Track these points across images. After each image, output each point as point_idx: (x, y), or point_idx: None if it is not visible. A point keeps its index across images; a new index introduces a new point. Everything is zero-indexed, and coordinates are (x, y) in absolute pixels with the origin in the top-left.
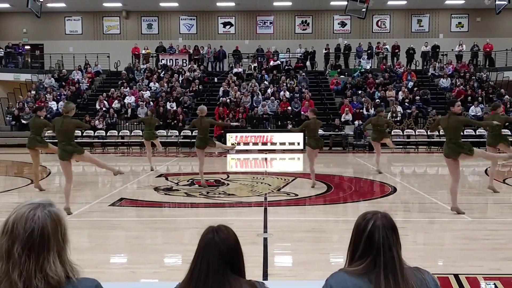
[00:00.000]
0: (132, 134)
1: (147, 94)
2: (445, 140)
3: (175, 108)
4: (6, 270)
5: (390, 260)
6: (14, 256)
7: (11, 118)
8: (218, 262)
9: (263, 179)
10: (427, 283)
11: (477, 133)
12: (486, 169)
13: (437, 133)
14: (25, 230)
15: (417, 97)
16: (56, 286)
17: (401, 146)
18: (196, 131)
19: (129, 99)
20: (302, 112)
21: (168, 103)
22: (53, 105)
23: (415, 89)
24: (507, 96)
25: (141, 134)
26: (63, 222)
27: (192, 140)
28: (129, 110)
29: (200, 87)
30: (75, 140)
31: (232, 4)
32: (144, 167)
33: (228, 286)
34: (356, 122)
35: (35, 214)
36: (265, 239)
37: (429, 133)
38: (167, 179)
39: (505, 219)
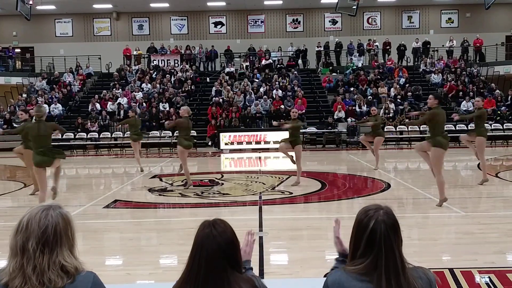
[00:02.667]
0: (125, 135)
1: (139, 95)
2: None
3: (168, 108)
4: (20, 265)
5: (392, 260)
6: (28, 251)
7: (2, 122)
8: (217, 256)
9: (258, 178)
10: (431, 282)
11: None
12: (479, 164)
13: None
14: (40, 226)
15: (409, 93)
16: (73, 275)
17: (394, 143)
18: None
19: (122, 101)
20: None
21: (160, 103)
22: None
23: (407, 85)
24: (498, 91)
25: None
26: (72, 223)
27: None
28: (122, 112)
29: (192, 87)
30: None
31: (223, 3)
32: (137, 169)
33: (227, 281)
34: (349, 120)
35: (48, 214)
36: (261, 238)
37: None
38: (161, 180)
39: (498, 213)
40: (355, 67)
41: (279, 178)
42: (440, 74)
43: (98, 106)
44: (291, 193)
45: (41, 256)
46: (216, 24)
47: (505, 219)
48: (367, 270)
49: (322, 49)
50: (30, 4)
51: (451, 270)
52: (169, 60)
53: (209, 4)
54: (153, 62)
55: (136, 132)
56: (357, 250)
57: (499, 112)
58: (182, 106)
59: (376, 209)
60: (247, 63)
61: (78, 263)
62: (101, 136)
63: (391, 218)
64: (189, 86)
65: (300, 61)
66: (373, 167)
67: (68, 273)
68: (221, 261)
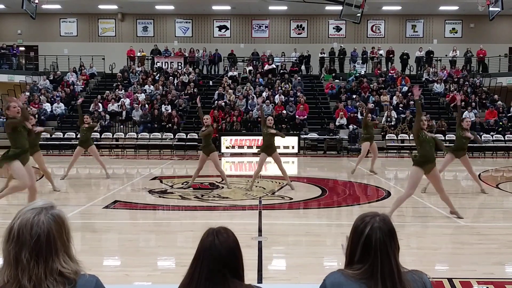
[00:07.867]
0: (127, 136)
1: (142, 96)
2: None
3: (170, 111)
4: (15, 276)
5: (388, 267)
6: (22, 262)
7: (5, 120)
8: (217, 265)
9: (258, 182)
10: (425, 285)
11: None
12: (479, 174)
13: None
14: (31, 236)
15: (411, 102)
16: (74, 280)
17: (395, 151)
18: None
19: (124, 101)
20: (297, 116)
21: (163, 106)
22: (47, 106)
23: (409, 94)
24: (500, 102)
25: (135, 136)
26: (66, 223)
27: (187, 143)
28: (124, 113)
29: (195, 90)
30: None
31: (228, 7)
32: (138, 170)
33: None
34: (351, 126)
35: (40, 219)
36: (260, 243)
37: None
38: (161, 181)
39: (498, 224)
40: (358, 74)
41: (279, 183)
42: (442, 83)
43: (100, 106)
44: (291, 199)
45: (36, 267)
46: (220, 28)
47: (505, 230)
48: (364, 276)
49: (325, 55)
50: (36, 3)
51: (450, 280)
52: (173, 62)
53: (214, 7)
54: (156, 64)
55: (83, 138)
56: (354, 256)
57: (501, 123)
58: (184, 108)
59: (372, 216)
60: (250, 68)
61: (77, 265)
62: (102, 136)
63: (387, 225)
64: (192, 89)
65: (303, 67)
66: (372, 173)
67: (68, 279)
68: (221, 270)
